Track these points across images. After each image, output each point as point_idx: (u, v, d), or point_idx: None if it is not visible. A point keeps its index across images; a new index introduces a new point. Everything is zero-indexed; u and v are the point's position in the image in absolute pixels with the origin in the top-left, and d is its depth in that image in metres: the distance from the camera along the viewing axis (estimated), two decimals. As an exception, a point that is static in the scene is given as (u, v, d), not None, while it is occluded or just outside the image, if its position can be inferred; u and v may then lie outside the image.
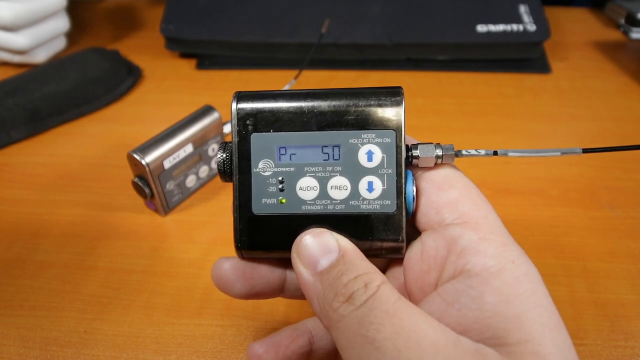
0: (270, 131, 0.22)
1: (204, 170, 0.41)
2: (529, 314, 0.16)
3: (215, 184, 0.42)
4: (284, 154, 0.22)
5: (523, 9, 0.59)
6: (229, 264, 0.23)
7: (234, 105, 0.22)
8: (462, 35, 0.57)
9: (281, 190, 0.22)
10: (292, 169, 0.22)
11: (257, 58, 0.59)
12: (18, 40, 0.55)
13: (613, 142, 0.47)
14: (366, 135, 0.22)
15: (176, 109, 0.50)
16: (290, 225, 0.22)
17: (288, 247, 0.22)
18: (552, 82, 0.56)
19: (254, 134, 0.22)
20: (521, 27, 0.57)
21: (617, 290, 0.33)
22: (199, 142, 0.39)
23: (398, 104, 0.22)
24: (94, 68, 0.52)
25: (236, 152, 0.22)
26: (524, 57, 0.58)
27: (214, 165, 0.42)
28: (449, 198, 0.20)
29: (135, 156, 0.35)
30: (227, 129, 0.43)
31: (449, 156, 0.22)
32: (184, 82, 0.57)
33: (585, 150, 0.21)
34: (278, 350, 0.23)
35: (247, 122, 0.22)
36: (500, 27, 0.57)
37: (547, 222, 0.38)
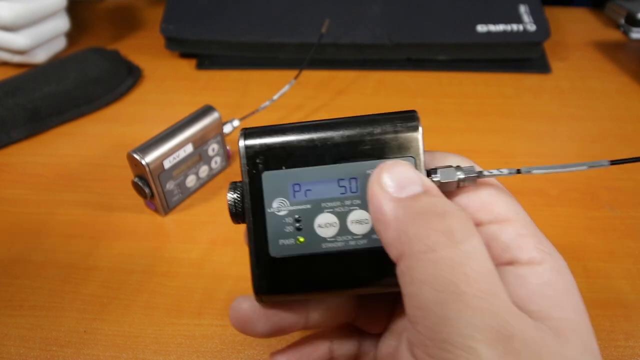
0: (282, 168, 0.21)
1: (204, 170, 0.41)
2: (568, 298, 0.19)
3: (215, 183, 0.42)
4: (298, 191, 0.21)
5: (523, 9, 0.59)
6: (248, 303, 0.22)
7: (241, 143, 0.21)
8: (462, 35, 0.57)
9: (298, 229, 0.21)
10: (309, 206, 0.21)
11: (257, 58, 0.59)
12: (18, 40, 0.55)
13: (613, 142, 0.47)
14: None
15: (176, 109, 0.50)
16: (311, 266, 0.21)
17: (310, 289, 0.21)
18: (552, 82, 0.56)
19: (265, 172, 0.21)
20: (521, 27, 0.57)
21: (617, 290, 0.33)
22: (199, 142, 0.39)
23: (415, 129, 0.21)
24: (94, 68, 0.52)
25: (248, 193, 0.21)
26: (524, 57, 0.58)
27: (214, 165, 0.42)
28: (481, 200, 0.21)
29: (135, 156, 0.35)
30: (227, 129, 0.43)
31: (471, 179, 0.21)
32: (184, 82, 0.57)
33: (613, 162, 0.20)
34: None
35: (257, 161, 0.21)
36: (500, 27, 0.57)
37: (547, 222, 0.38)
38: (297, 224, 0.21)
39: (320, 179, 0.21)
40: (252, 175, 0.21)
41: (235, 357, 0.29)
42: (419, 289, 0.17)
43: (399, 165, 0.19)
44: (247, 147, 0.21)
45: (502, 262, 0.20)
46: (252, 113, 0.46)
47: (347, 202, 0.21)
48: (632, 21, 0.63)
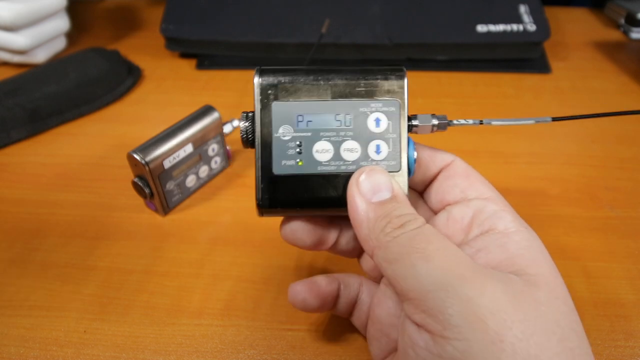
0: (289, 100, 0.24)
1: (204, 170, 0.41)
2: (542, 258, 0.22)
3: (215, 183, 0.42)
4: (301, 121, 0.25)
5: (523, 9, 0.59)
6: (298, 223, 0.26)
7: (256, 78, 0.24)
8: (462, 35, 0.57)
9: (299, 152, 0.24)
10: (309, 134, 0.25)
11: (257, 58, 0.59)
12: (18, 40, 0.55)
13: (613, 141, 0.47)
14: (374, 104, 0.25)
15: (176, 109, 0.50)
16: (307, 185, 0.24)
17: (306, 205, 0.25)
18: (552, 82, 0.56)
19: (275, 102, 0.24)
20: (521, 27, 0.57)
21: (617, 290, 0.33)
22: (199, 142, 0.39)
23: (401, 77, 0.25)
24: (94, 68, 0.52)
25: (259, 119, 0.24)
26: (524, 57, 0.58)
27: (214, 165, 0.42)
28: (469, 182, 0.25)
29: (135, 156, 0.35)
30: (227, 129, 0.43)
31: (443, 125, 0.25)
32: (184, 82, 0.57)
33: (555, 119, 0.26)
34: (316, 289, 0.26)
35: (269, 92, 0.24)
36: (500, 27, 0.57)
37: (547, 222, 0.38)
38: (299, 149, 0.25)
39: (320, 112, 0.25)
40: (264, 104, 0.24)
41: (235, 357, 0.29)
42: (395, 266, 0.20)
43: (376, 172, 0.23)
44: (262, 80, 0.24)
45: (484, 230, 0.23)
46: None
47: (342, 133, 0.25)
48: (632, 21, 0.63)
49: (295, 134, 0.24)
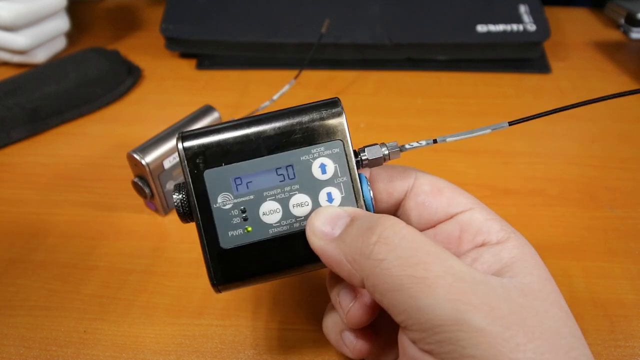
0: (222, 164, 0.22)
1: (204, 170, 0.41)
2: (533, 264, 0.22)
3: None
4: (240, 184, 0.23)
5: (523, 9, 0.59)
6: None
7: (179, 146, 0.22)
8: (462, 35, 0.57)
9: (245, 219, 0.23)
10: (252, 197, 0.23)
11: (257, 58, 0.59)
12: (18, 40, 0.55)
13: (613, 141, 0.47)
14: (315, 149, 0.23)
15: (176, 109, 0.50)
16: (261, 251, 0.23)
17: (263, 273, 0.23)
18: (552, 82, 0.56)
19: (206, 170, 0.22)
20: (521, 27, 0.57)
21: (617, 290, 0.33)
22: (199, 142, 0.39)
23: (339, 114, 0.23)
24: (94, 68, 0.52)
25: (192, 191, 0.22)
26: (524, 57, 0.58)
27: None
28: (447, 198, 0.24)
29: (135, 156, 0.35)
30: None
31: (395, 153, 0.24)
32: (184, 82, 0.57)
33: (511, 123, 0.25)
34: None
35: (197, 161, 0.22)
36: (500, 27, 0.57)
37: (547, 222, 0.38)
38: (243, 215, 0.23)
39: (259, 171, 0.23)
40: (194, 175, 0.22)
41: (235, 357, 0.29)
42: (390, 298, 0.19)
43: (322, 210, 0.22)
44: (185, 149, 0.22)
45: (477, 245, 0.23)
46: (252, 113, 0.46)
47: (287, 188, 0.23)
48: (632, 21, 0.63)
49: (236, 201, 0.22)
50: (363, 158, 0.24)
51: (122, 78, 0.54)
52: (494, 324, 0.18)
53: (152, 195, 0.37)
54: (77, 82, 0.51)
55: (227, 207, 0.23)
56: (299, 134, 0.23)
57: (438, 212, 0.24)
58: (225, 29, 0.58)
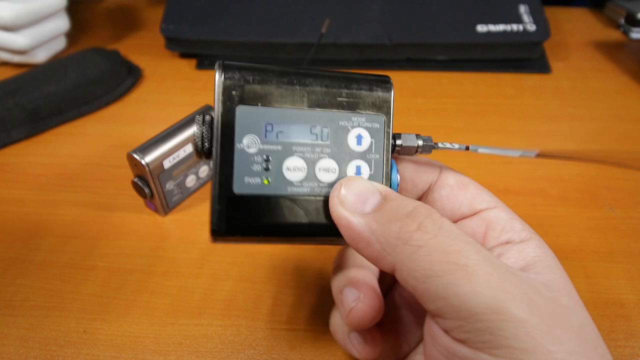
0: (258, 105, 0.21)
1: (203, 170, 0.41)
2: (554, 264, 0.22)
3: (215, 184, 0.42)
4: (270, 131, 0.21)
5: (523, 9, 0.59)
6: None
7: (218, 74, 0.20)
8: (462, 35, 0.57)
9: (266, 169, 0.21)
10: (279, 148, 0.21)
11: (257, 58, 0.59)
12: (18, 40, 0.55)
13: (613, 142, 0.47)
14: (357, 118, 0.22)
15: (176, 109, 0.50)
16: (274, 208, 0.21)
17: (270, 233, 0.21)
18: (552, 82, 0.56)
19: (239, 106, 0.20)
20: (521, 27, 0.57)
21: (617, 290, 0.33)
22: (199, 142, 0.39)
23: (388, 90, 0.22)
24: (94, 68, 0.52)
25: (219, 124, 0.20)
26: (524, 57, 0.58)
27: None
28: (472, 194, 0.24)
29: (135, 156, 0.35)
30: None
31: (427, 147, 0.23)
32: (184, 82, 0.57)
33: (538, 155, 0.23)
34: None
35: (233, 93, 0.20)
36: (500, 27, 0.57)
37: (547, 222, 0.38)
38: (266, 164, 0.21)
39: (294, 122, 0.21)
40: (226, 107, 0.20)
41: (235, 357, 0.29)
42: (429, 284, 0.18)
43: (353, 181, 0.21)
44: (225, 77, 0.20)
45: (502, 242, 0.23)
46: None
47: (317, 149, 0.21)
48: (632, 21, 0.63)
49: (262, 147, 0.21)
50: (397, 143, 0.23)
51: (122, 78, 0.54)
52: (534, 314, 0.18)
53: (152, 195, 0.37)
54: (77, 82, 0.51)
55: (251, 151, 0.21)
56: (344, 97, 0.21)
57: (462, 207, 0.24)
58: (225, 29, 0.58)
